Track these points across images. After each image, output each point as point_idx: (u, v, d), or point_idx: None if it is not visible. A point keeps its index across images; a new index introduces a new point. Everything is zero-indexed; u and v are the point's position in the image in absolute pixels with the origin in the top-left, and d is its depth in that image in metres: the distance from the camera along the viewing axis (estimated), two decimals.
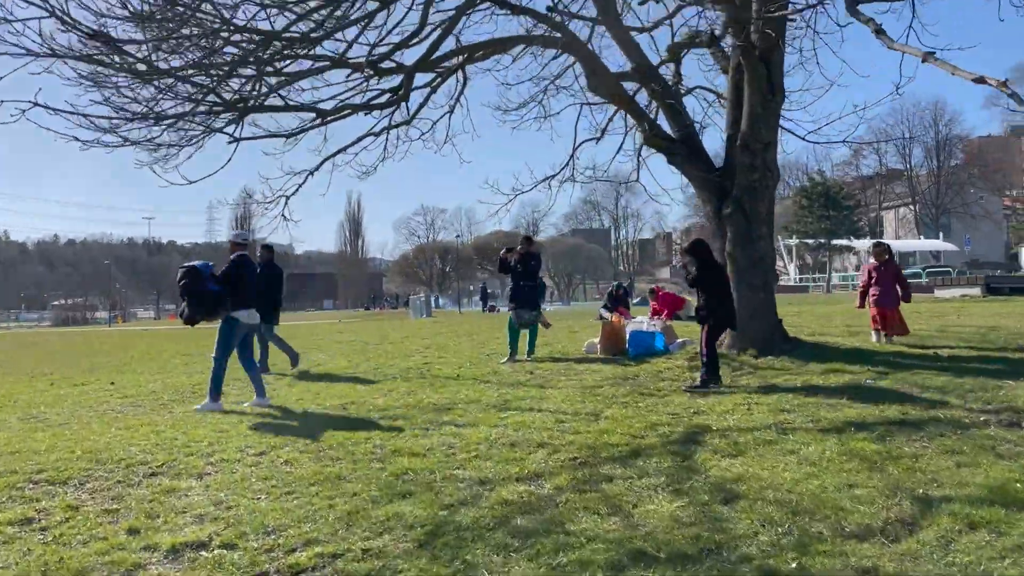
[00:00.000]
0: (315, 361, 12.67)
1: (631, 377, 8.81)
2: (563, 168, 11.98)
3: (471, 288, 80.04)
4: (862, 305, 10.41)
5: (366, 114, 9.93)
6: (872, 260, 10.47)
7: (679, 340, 10.63)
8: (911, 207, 72.78)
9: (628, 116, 11.84)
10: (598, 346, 11.13)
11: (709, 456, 5.46)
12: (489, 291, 50.20)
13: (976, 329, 11.69)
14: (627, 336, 11.17)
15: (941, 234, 65.72)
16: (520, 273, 11.22)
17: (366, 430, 6.72)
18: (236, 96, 8.55)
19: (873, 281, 10.03)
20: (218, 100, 8.38)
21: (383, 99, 9.98)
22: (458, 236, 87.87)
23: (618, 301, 19.73)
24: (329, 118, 9.40)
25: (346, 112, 9.56)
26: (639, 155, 11.00)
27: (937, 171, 71.40)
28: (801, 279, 64.01)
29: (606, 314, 18.92)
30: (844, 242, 56.65)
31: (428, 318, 31.64)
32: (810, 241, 59.18)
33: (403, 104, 10.26)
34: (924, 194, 72.27)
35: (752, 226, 9.21)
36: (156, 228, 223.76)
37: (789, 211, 74.28)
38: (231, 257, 8.48)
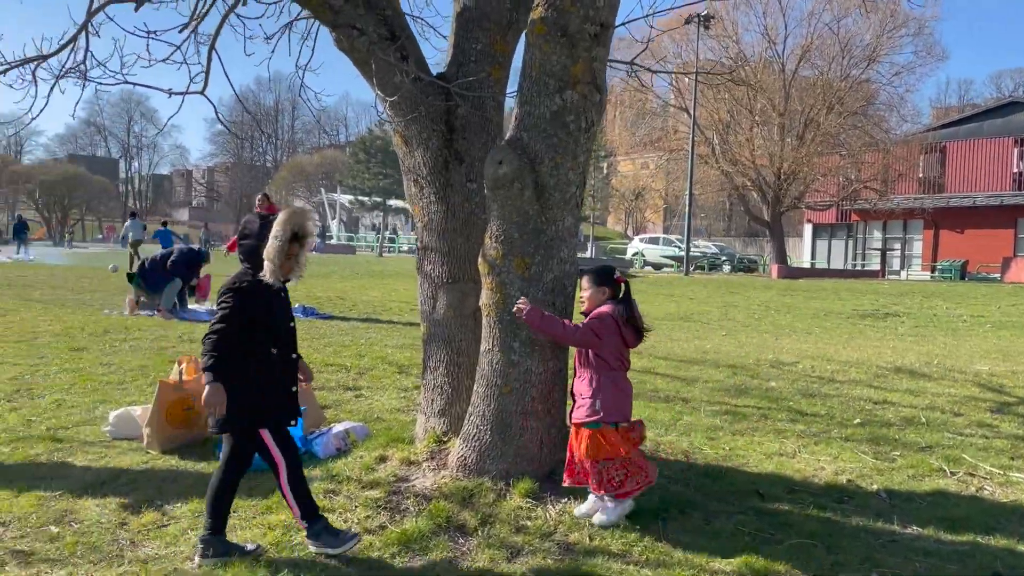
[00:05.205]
0: None
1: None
2: (61, 49, 5.11)
3: None
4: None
5: None
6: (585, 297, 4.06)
7: (334, 428, 5.08)
8: None
9: None
10: (144, 429, 5.02)
11: None
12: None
13: None
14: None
15: None
16: None
17: None
18: None
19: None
20: None
21: None
22: None
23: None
24: None
25: None
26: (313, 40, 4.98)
27: None
28: (349, 239, 55.26)
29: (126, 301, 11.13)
30: (401, 204, 51.23)
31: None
32: (365, 199, 54.63)
33: None
34: None
35: (549, 207, 4.03)
36: None
37: (339, 162, 67.90)
38: None
